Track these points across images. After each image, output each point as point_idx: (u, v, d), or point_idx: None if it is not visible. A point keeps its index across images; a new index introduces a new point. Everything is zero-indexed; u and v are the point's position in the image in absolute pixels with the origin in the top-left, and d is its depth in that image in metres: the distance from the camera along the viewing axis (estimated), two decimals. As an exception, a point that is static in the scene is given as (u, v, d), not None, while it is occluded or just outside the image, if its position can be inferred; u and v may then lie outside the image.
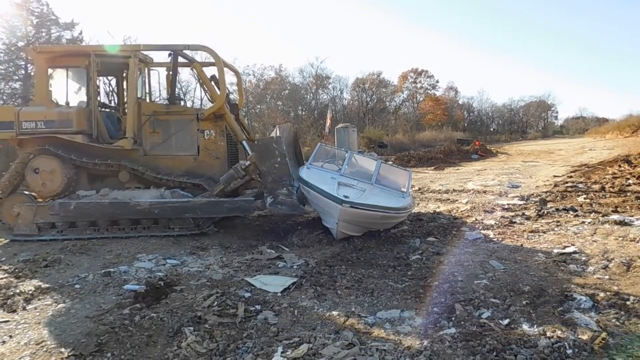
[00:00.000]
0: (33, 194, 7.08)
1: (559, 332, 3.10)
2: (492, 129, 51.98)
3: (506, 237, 6.11)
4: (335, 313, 3.75)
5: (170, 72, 8.40)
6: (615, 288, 3.95)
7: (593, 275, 4.41)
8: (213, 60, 7.28)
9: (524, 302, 3.68)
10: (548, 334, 3.10)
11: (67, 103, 7.24)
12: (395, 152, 23.14)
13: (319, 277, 4.63)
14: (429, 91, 47.22)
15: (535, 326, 3.27)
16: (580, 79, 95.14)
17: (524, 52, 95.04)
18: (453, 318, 3.51)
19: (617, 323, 3.27)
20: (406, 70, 47.20)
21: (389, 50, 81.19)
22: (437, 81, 48.06)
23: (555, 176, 12.63)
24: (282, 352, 3.11)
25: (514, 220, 7.15)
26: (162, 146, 7.24)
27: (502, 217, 7.50)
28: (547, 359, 2.81)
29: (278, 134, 7.14)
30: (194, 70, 7.38)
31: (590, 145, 24.90)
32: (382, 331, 3.43)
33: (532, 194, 9.56)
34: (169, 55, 7.24)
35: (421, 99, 46.39)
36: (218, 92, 7.29)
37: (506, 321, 3.38)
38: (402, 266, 4.96)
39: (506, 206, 8.47)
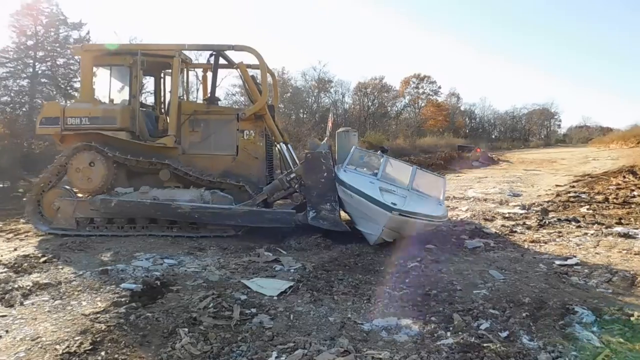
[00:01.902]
0: (74, 188, 7.12)
1: (560, 347, 3.05)
2: (493, 136, 51.97)
3: (506, 247, 6.06)
4: (331, 319, 3.71)
5: (206, 73, 8.54)
6: (620, 303, 3.88)
7: (596, 288, 4.35)
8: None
9: (524, 314, 3.62)
10: (548, 348, 3.05)
11: (112, 101, 7.29)
12: (396, 158, 23.05)
13: (316, 282, 4.59)
14: (430, 97, 47.34)
15: (535, 339, 3.22)
16: (584, 88, 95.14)
17: (527, 59, 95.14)
18: (451, 328, 3.47)
19: (621, 340, 3.19)
20: (408, 75, 47.44)
21: (392, 55, 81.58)
22: (439, 87, 48.25)
23: (557, 185, 12.58)
24: (276, 357, 3.08)
25: (514, 230, 7.11)
26: (201, 145, 7.24)
27: (502, 226, 7.46)
28: (546, 374, 2.77)
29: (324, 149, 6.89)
30: (238, 70, 7.37)
31: (594, 155, 24.83)
32: (379, 339, 3.39)
33: (534, 203, 9.52)
34: (210, 55, 7.22)
35: (423, 104, 46.46)
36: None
37: (505, 333, 3.33)
38: (400, 273, 4.91)
39: (507, 215, 8.43)
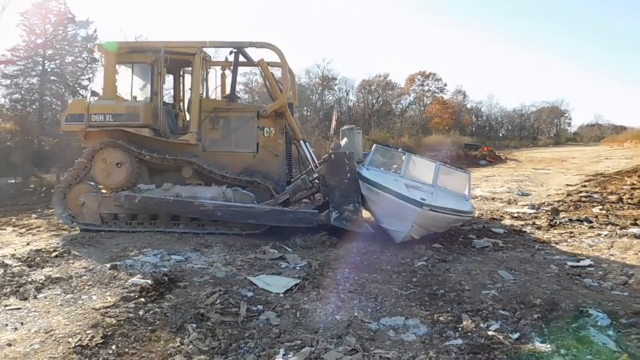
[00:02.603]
0: (98, 184, 7.21)
1: (574, 350, 2.98)
2: (501, 135, 51.34)
3: (516, 247, 5.98)
4: (337, 317, 3.69)
5: (225, 71, 8.58)
6: (637, 307, 3.76)
7: (611, 291, 4.26)
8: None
9: (535, 316, 3.57)
10: (562, 351, 2.99)
11: (134, 98, 7.34)
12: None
13: (322, 280, 4.58)
14: (436, 94, 46.78)
15: (547, 342, 3.16)
16: (596, 85, 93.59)
17: (536, 56, 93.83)
18: (460, 328, 3.43)
19: (639, 344, 3.12)
20: (413, 72, 46.88)
21: (397, 52, 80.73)
22: (445, 84, 47.57)
23: (568, 185, 12.42)
24: (283, 354, 3.07)
25: (524, 230, 7.02)
26: (221, 142, 7.27)
27: (511, 225, 7.37)
28: (559, 377, 2.71)
29: (348, 150, 6.86)
30: (259, 67, 7.37)
31: (607, 153, 24.47)
32: (386, 338, 3.36)
33: (543, 203, 9.40)
34: (230, 52, 7.23)
35: (428, 102, 45.98)
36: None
37: (516, 335, 3.28)
38: (407, 272, 4.88)
39: (515, 214, 8.34)
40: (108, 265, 4.98)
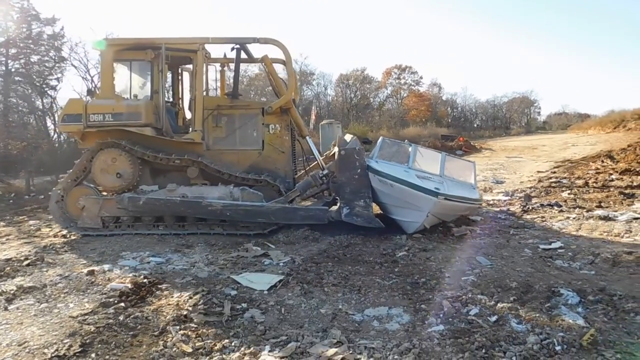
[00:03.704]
0: (98, 187, 6.94)
1: (547, 329, 3.12)
2: (475, 125, 52.45)
3: (492, 233, 6.16)
4: (322, 311, 3.73)
5: (224, 68, 8.36)
6: (602, 284, 3.99)
7: (580, 270, 4.47)
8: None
9: (512, 299, 3.71)
10: (536, 330, 3.12)
11: (135, 96, 7.04)
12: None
13: (306, 275, 4.60)
14: (412, 87, 47.28)
15: (523, 322, 3.30)
16: (562, 76, 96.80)
17: (507, 48, 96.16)
18: (441, 315, 3.52)
19: (605, 319, 3.30)
20: (390, 66, 47.17)
21: (373, 46, 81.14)
22: (421, 77, 48.12)
23: (539, 172, 12.83)
24: (269, 351, 3.08)
25: (499, 216, 7.23)
26: (226, 141, 7.10)
27: (487, 212, 7.57)
28: (536, 356, 2.83)
29: (356, 146, 6.72)
30: (263, 63, 7.23)
31: (573, 140, 25.33)
32: (370, 329, 3.42)
33: (517, 190, 9.70)
34: (232, 49, 7.04)
35: (405, 95, 46.49)
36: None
37: (494, 318, 3.40)
38: (388, 263, 4.96)
39: (491, 202, 8.57)
40: (85, 271, 4.84)
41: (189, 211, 6.54)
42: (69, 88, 34.23)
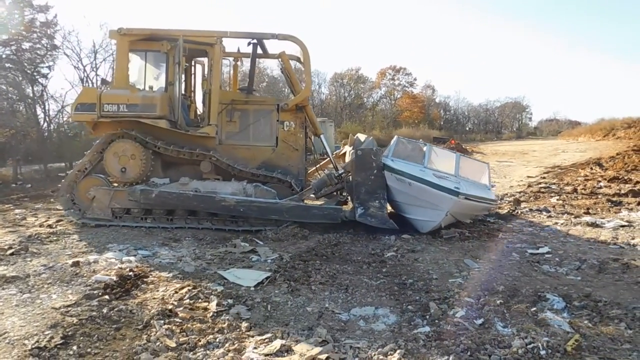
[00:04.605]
0: (109, 177, 6.85)
1: (532, 333, 3.13)
2: (467, 128, 52.91)
3: (481, 236, 6.19)
4: (309, 309, 3.71)
5: (237, 62, 8.32)
6: (588, 289, 4.02)
7: (566, 276, 4.51)
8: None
9: (498, 302, 3.72)
10: (522, 334, 3.13)
11: (150, 87, 6.92)
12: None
13: (293, 272, 4.58)
14: (406, 89, 47.50)
15: (509, 326, 3.31)
16: (554, 83, 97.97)
17: (500, 54, 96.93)
18: (427, 316, 3.53)
19: (590, 325, 3.32)
20: (385, 67, 47.33)
21: (368, 46, 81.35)
22: (415, 79, 48.38)
23: (529, 177, 12.94)
24: (254, 348, 3.05)
25: (488, 220, 7.27)
26: (239, 136, 7.05)
27: (476, 215, 7.61)
28: (520, 360, 2.84)
29: (372, 146, 6.73)
30: (280, 60, 7.16)
31: (563, 147, 25.62)
32: (356, 328, 3.41)
33: (506, 194, 9.77)
34: (248, 44, 6.96)
35: (399, 96, 46.66)
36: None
37: (480, 321, 3.41)
38: (376, 263, 4.96)
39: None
40: (70, 262, 4.76)
41: (202, 206, 6.47)
42: (61, 77, 33.71)
